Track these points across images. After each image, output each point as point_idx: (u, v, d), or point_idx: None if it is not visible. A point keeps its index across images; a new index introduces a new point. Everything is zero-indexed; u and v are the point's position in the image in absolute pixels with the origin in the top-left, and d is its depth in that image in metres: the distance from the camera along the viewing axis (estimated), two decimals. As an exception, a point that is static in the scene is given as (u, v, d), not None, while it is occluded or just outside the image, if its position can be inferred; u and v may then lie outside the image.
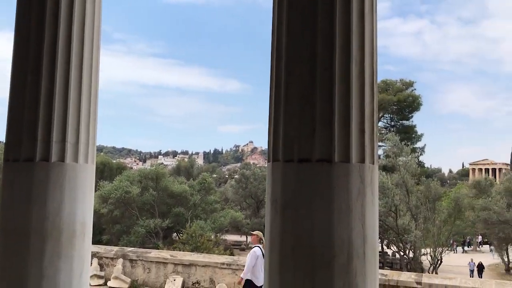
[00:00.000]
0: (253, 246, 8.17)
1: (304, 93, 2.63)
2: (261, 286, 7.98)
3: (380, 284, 8.80)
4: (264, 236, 2.72)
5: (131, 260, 11.48)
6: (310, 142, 2.58)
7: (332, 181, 2.54)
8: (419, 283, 8.50)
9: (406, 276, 8.79)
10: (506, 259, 39.79)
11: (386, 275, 8.92)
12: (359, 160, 2.60)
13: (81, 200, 3.53)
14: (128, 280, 11.09)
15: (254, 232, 8.46)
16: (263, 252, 7.98)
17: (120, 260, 11.44)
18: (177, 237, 27.07)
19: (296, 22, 2.68)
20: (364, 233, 2.57)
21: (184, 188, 30.03)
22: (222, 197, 50.77)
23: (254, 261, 7.74)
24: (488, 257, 46.09)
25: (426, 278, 8.64)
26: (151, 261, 11.30)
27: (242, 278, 7.92)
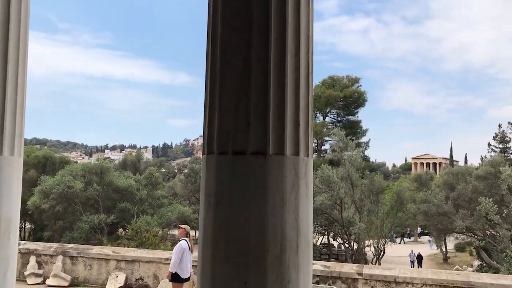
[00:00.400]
0: (180, 239, 8.33)
1: (239, 85, 2.59)
2: (188, 278, 8.10)
3: (323, 276, 9.00)
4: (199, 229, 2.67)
5: (71, 257, 11.09)
6: (244, 135, 2.55)
7: (267, 173, 2.52)
8: (360, 274, 8.75)
9: (348, 268, 9.02)
10: (444, 249, 41.88)
11: (329, 266, 9.13)
12: (293, 153, 2.60)
13: (6, 195, 3.32)
14: (68, 277, 10.71)
15: (181, 226, 8.74)
16: (190, 246, 8.09)
17: (60, 257, 11.02)
18: (123, 233, 26.41)
19: (231, 12, 2.63)
20: (298, 225, 2.57)
21: (130, 183, 29.33)
22: (170, 192, 50.07)
23: (180, 254, 7.92)
24: (427, 247, 48.33)
25: (367, 269, 8.91)
26: (92, 258, 10.96)
27: (170, 272, 8.03)
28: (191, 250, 8.23)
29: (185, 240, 8.17)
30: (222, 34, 2.65)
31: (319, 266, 9.16)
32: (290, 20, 2.64)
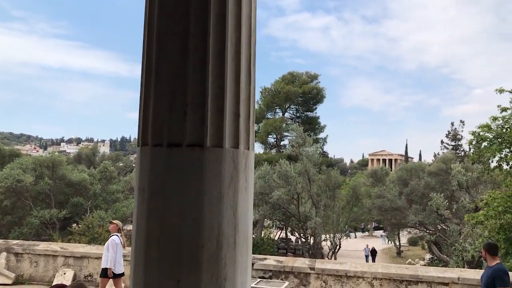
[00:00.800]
0: (112, 234, 8.28)
1: (175, 72, 2.45)
2: (122, 273, 8.05)
3: (276, 271, 8.97)
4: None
5: (16, 254, 10.61)
6: (180, 125, 2.42)
7: (204, 167, 2.40)
8: (312, 268, 8.80)
9: (301, 262, 9.05)
10: (397, 243, 43.11)
11: (282, 261, 9.13)
12: (232, 145, 2.49)
13: None
14: (12, 275, 10.24)
15: (113, 221, 8.70)
16: (122, 241, 8.02)
17: (4, 254, 10.53)
18: (76, 228, 25.62)
19: (168, -5, 2.49)
20: (236, 221, 2.47)
21: (84, 177, 28.46)
22: (127, 186, 49.07)
23: (115, 249, 7.91)
24: (381, 242, 49.62)
25: (319, 264, 8.97)
26: (39, 254, 10.53)
27: (110, 269, 7.97)
28: (123, 245, 8.17)
29: (117, 235, 8.15)
30: (159, 18, 2.51)
31: (272, 261, 9.14)
32: (230, 8, 2.53)
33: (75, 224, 28.09)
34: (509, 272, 5.61)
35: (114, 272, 7.95)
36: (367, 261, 34.54)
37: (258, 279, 8.68)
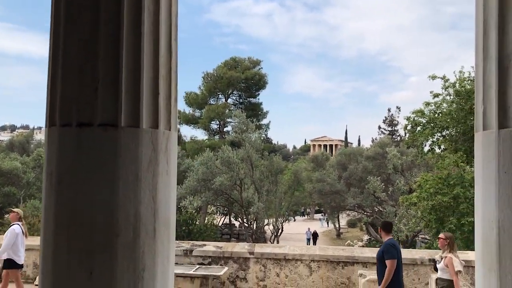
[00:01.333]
0: (13, 224, 7.82)
1: (85, 46, 2.23)
2: (21, 265, 7.70)
3: (215, 257, 8.85)
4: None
5: None
6: (91, 104, 2.20)
7: (118, 148, 2.21)
8: (251, 253, 8.78)
9: (240, 247, 9.01)
10: (337, 226, 44.43)
11: (221, 247, 9.05)
12: (151, 125, 2.31)
13: None
14: None
15: (14, 210, 8.25)
16: (24, 230, 7.64)
17: None
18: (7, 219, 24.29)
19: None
20: (155, 206, 2.30)
21: (16, 165, 26.95)
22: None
23: (13, 239, 7.47)
24: (325, 224, 50.95)
25: (258, 248, 8.97)
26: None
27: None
28: (25, 235, 7.69)
29: (18, 224, 7.69)
30: (67, -15, 2.26)
31: (211, 247, 9.03)
32: (147, -26, 2.32)
33: (8, 214, 26.61)
34: (396, 245, 6.05)
35: (18, 262, 7.46)
36: (308, 244, 35.29)
37: (197, 266, 8.56)
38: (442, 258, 6.34)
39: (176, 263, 8.90)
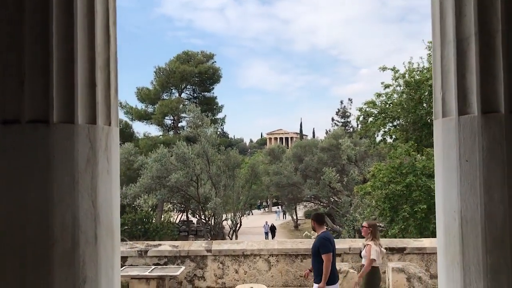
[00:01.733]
0: None
1: (11, 32, 1.97)
2: None
3: (171, 256, 8.58)
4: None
5: None
6: (17, 98, 1.95)
7: (51, 147, 1.97)
8: (209, 250, 8.58)
9: (197, 245, 8.79)
10: (294, 217, 44.87)
11: (177, 246, 8.80)
12: (88, 121, 2.07)
13: None
14: None
15: None
16: None
17: None
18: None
19: None
20: (96, 211, 2.08)
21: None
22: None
23: None
24: (281, 216, 51.32)
25: (216, 245, 8.78)
26: None
27: None
28: None
29: None
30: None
31: (167, 246, 8.77)
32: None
33: None
34: (331, 237, 6.08)
35: None
36: (266, 238, 35.31)
37: (153, 267, 8.28)
38: (364, 246, 6.51)
39: (131, 265, 8.59)
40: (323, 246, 5.77)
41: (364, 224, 6.72)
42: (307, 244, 8.63)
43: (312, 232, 37.13)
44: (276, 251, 8.50)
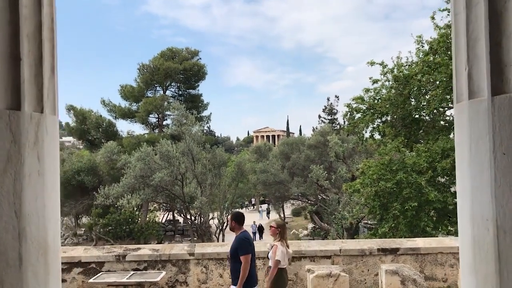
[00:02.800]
0: None
1: None
2: None
3: (151, 261, 8.04)
4: None
5: None
6: None
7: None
8: (191, 254, 8.07)
9: (179, 249, 8.27)
10: (282, 215, 44.53)
11: (158, 250, 8.27)
12: (9, 105, 1.57)
13: None
14: None
15: None
16: None
17: None
18: None
19: None
20: (21, 224, 1.58)
21: None
22: None
23: None
24: (264, 215, 50.98)
25: (199, 248, 8.27)
26: None
27: None
28: None
29: None
30: None
31: (146, 250, 8.24)
32: None
33: None
34: (250, 238, 5.78)
35: None
36: (254, 238, 34.84)
37: (131, 272, 7.75)
38: (271, 246, 6.29)
39: (108, 271, 8.04)
40: (242, 247, 5.50)
41: (273, 224, 6.46)
42: (295, 245, 8.17)
43: (300, 230, 36.80)
44: (263, 254, 8.02)
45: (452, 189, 14.33)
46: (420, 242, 8.29)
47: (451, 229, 13.73)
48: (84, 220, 35.88)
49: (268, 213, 47.73)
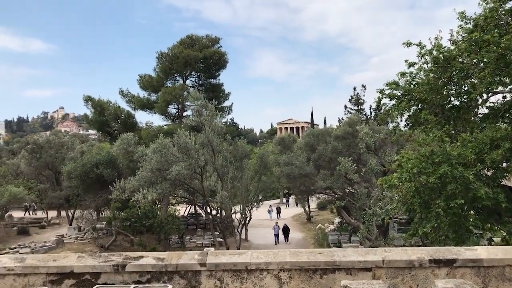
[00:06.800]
0: None
1: None
2: None
3: (155, 272, 6.62)
4: None
5: None
6: None
7: None
8: (203, 264, 6.76)
9: (188, 258, 6.95)
10: (307, 209, 43.04)
11: (163, 258, 6.96)
12: None
13: None
14: None
15: None
16: None
17: None
18: None
19: None
20: None
21: None
22: (16, 170, 43.87)
23: None
24: (289, 209, 49.54)
25: (211, 257, 6.93)
26: None
27: None
28: None
29: None
30: None
31: (150, 259, 6.94)
32: None
33: None
34: None
35: None
36: (276, 242, 32.98)
37: (132, 285, 6.48)
38: None
39: (105, 283, 6.79)
40: None
41: None
42: (328, 255, 6.74)
43: (326, 224, 35.20)
44: (288, 265, 6.64)
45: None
46: (482, 252, 6.75)
47: (502, 231, 12.09)
48: (105, 214, 35.22)
49: (296, 204, 45.90)
